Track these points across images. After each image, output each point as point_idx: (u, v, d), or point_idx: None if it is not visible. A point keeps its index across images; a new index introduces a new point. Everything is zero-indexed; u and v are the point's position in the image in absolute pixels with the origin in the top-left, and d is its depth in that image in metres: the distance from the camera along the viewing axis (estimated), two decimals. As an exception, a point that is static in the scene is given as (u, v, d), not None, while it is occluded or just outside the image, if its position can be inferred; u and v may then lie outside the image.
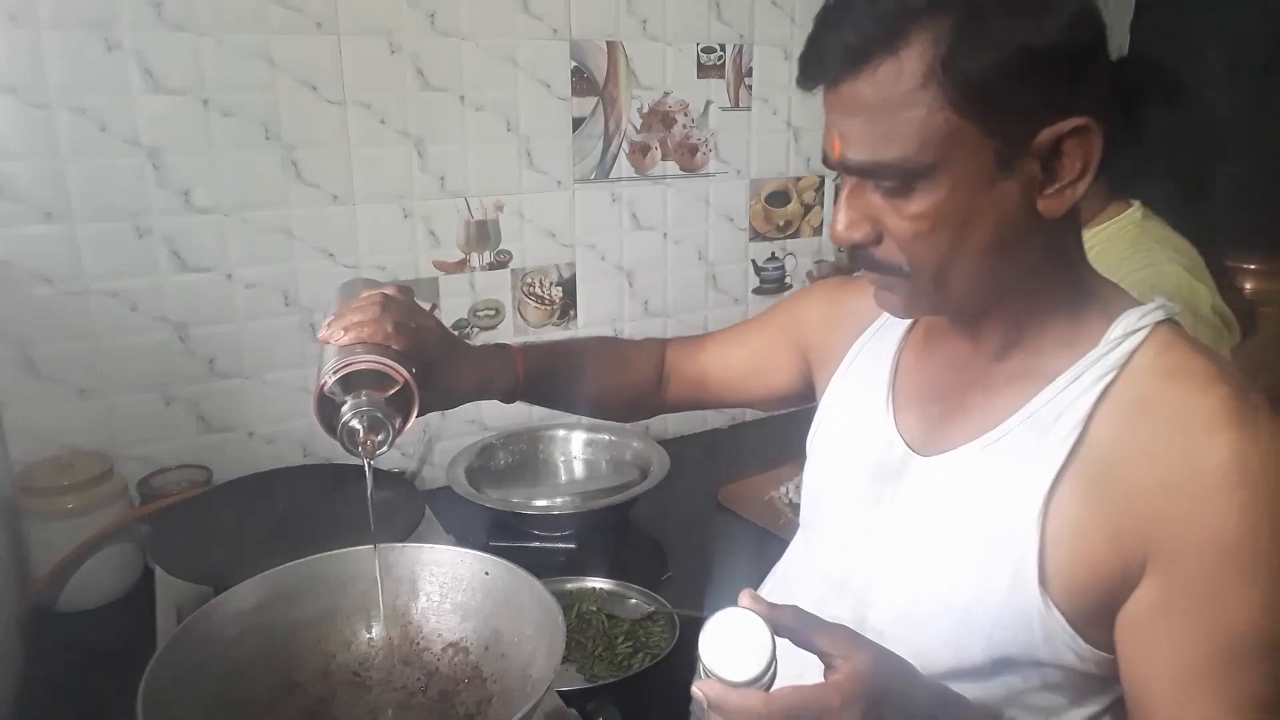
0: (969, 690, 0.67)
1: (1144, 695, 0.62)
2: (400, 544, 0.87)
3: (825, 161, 0.65)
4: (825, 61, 0.60)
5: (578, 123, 1.60)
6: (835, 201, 0.66)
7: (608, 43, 1.60)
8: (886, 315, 0.78)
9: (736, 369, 1.03)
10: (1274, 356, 1.82)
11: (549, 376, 0.94)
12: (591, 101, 1.61)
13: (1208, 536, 0.58)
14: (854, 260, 0.68)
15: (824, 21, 0.60)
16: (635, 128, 1.67)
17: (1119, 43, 2.27)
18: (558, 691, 0.96)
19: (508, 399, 0.92)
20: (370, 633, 0.83)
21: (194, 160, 1.31)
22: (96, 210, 1.27)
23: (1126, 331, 0.64)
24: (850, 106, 0.60)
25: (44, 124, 1.21)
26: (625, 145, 1.67)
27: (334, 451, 1.48)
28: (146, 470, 1.32)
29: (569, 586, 1.23)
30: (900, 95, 0.57)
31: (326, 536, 0.88)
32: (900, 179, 0.60)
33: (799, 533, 0.90)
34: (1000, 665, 0.66)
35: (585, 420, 1.71)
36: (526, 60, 1.53)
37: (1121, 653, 0.63)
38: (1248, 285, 1.78)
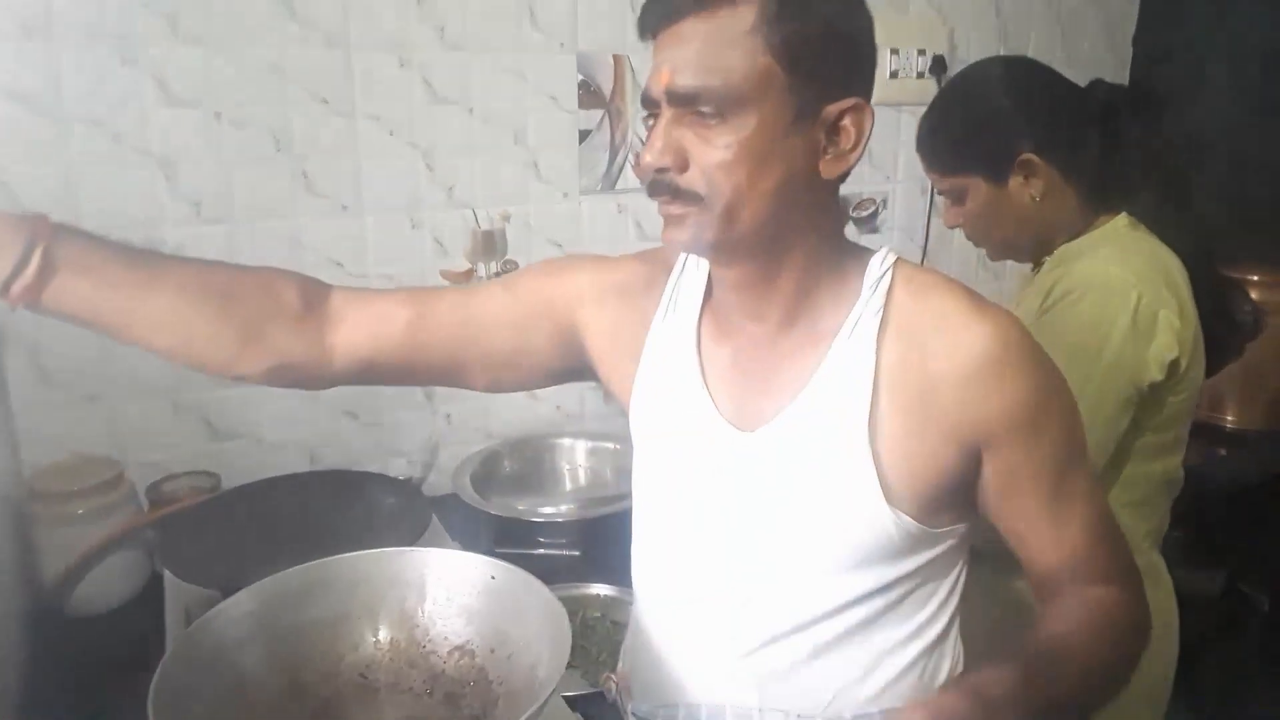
0: (857, 619, 0.77)
1: (1027, 535, 0.78)
2: (407, 548, 0.88)
3: (645, 99, 0.73)
4: (676, 4, 0.69)
5: (584, 134, 1.62)
6: (648, 136, 0.72)
7: (614, 56, 1.62)
8: (669, 299, 0.84)
9: (490, 341, 0.88)
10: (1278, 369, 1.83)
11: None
12: (598, 114, 1.63)
13: (1007, 406, 0.73)
14: (653, 191, 0.73)
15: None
16: (641, 140, 1.68)
17: (1122, 56, 2.30)
18: (563, 696, 0.96)
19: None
20: (377, 635, 0.84)
21: (206, 172, 1.33)
22: (109, 220, 1.28)
23: (877, 276, 0.76)
24: (689, 41, 0.69)
25: (59, 136, 1.24)
26: (631, 157, 1.68)
27: (340, 460, 1.50)
28: (155, 476, 1.33)
29: (573, 593, 1.24)
30: (731, 36, 0.68)
31: (333, 542, 0.89)
32: (718, 105, 0.68)
33: (638, 519, 0.89)
34: (881, 587, 0.77)
35: (590, 429, 1.73)
36: (534, 73, 1.55)
37: (996, 516, 0.79)
38: (1253, 296, 1.79)
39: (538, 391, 1.68)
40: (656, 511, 0.87)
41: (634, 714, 0.86)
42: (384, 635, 0.84)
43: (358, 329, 0.86)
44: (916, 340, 0.74)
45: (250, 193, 1.37)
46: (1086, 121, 1.16)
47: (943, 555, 0.79)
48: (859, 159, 0.73)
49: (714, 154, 0.69)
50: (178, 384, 1.38)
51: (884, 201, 2.00)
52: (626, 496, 1.45)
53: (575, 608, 1.19)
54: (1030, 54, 1.99)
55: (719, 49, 0.68)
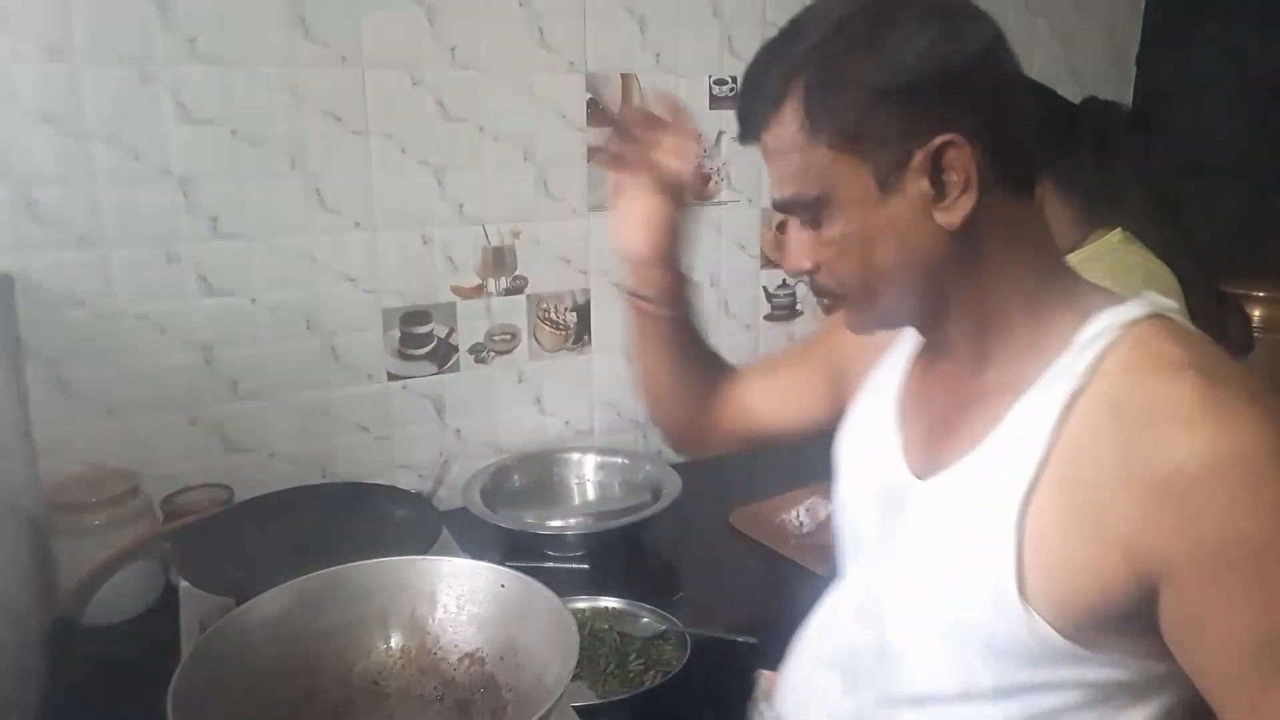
0: (986, 715, 0.67)
1: (1221, 708, 0.61)
2: (419, 557, 0.89)
3: None
4: (743, 126, 0.72)
5: (593, 152, 1.64)
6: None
7: (622, 75, 1.64)
8: (901, 335, 0.83)
9: (774, 392, 1.00)
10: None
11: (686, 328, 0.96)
12: (606, 132, 1.64)
13: (1200, 545, 0.57)
14: (814, 293, 0.77)
15: (738, 95, 0.73)
16: (649, 157, 1.70)
17: (1125, 74, 2.31)
18: (572, 706, 0.97)
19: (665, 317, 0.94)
20: (389, 643, 0.85)
21: (222, 188, 1.36)
22: (128, 236, 1.31)
23: (1096, 333, 0.64)
24: (767, 157, 0.70)
25: (80, 153, 1.26)
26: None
27: (352, 473, 1.52)
28: (170, 489, 1.35)
29: (582, 605, 1.25)
30: (786, 143, 0.67)
31: (345, 552, 0.90)
32: (805, 211, 0.69)
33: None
34: (1015, 689, 0.66)
35: (598, 444, 1.74)
36: (543, 92, 1.57)
37: (1186, 669, 0.62)
38: (1256, 313, 1.79)
39: (546, 406, 1.70)
40: (840, 539, 0.85)
41: (762, 712, 0.88)
42: (396, 642, 0.85)
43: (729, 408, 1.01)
44: (1114, 422, 0.60)
45: (265, 209, 1.39)
46: (1081, 138, 1.18)
47: (1116, 687, 0.65)
48: (976, 195, 0.64)
49: (824, 253, 0.69)
50: (193, 399, 1.40)
51: (890, 218, 2.02)
52: (634, 510, 1.48)
53: (583, 620, 1.20)
54: (1033, 72, 2.01)
55: (782, 160, 0.68)
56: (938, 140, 0.63)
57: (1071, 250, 1.18)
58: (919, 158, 0.63)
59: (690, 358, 0.97)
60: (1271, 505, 0.56)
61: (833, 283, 0.71)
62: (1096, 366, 0.63)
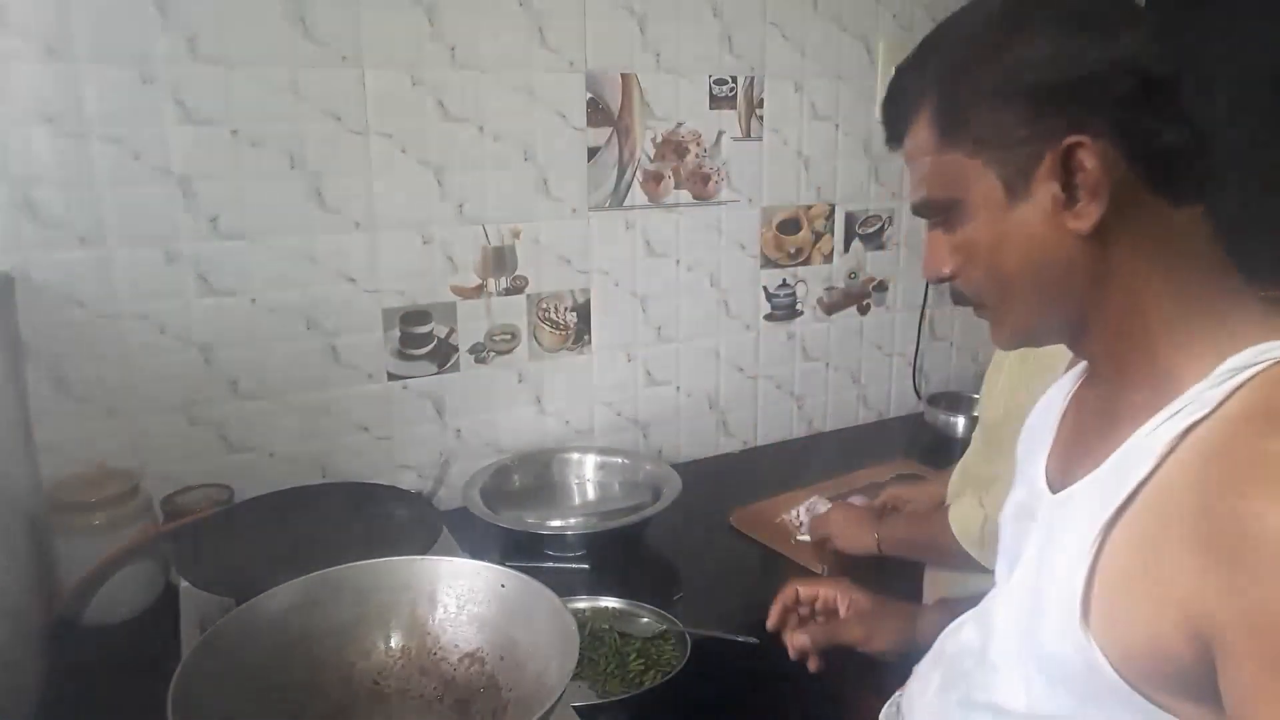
0: (1027, 685, 0.67)
1: None
2: (419, 557, 0.89)
3: None
4: (888, 132, 0.74)
5: (593, 152, 1.64)
6: None
7: (622, 75, 1.64)
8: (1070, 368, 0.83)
9: None
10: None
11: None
12: (606, 131, 1.65)
13: (1256, 610, 0.51)
14: (955, 301, 0.82)
15: (883, 102, 0.74)
16: (649, 157, 1.71)
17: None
18: (572, 706, 0.97)
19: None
20: (389, 642, 0.86)
21: (222, 188, 1.36)
22: (128, 236, 1.31)
23: (1238, 366, 0.58)
24: (907, 162, 0.73)
25: (80, 153, 1.26)
26: (639, 174, 1.70)
27: (352, 473, 1.52)
28: (170, 489, 1.35)
29: (582, 605, 1.25)
30: (920, 149, 0.69)
31: (345, 552, 0.91)
32: (938, 214, 0.70)
33: None
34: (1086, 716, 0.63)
35: (598, 443, 1.75)
36: (543, 92, 1.58)
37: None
38: (1256, 312, 1.80)
39: (546, 406, 1.70)
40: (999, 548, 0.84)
41: (898, 705, 0.88)
42: (396, 642, 0.86)
43: None
44: (1204, 470, 0.56)
45: (265, 209, 1.39)
46: None
47: None
48: (1106, 198, 0.61)
49: (957, 257, 0.70)
50: (194, 399, 1.40)
51: (890, 218, 2.02)
52: (634, 510, 1.48)
53: (584, 620, 1.20)
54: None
55: (917, 164, 0.70)
56: (1066, 142, 0.61)
57: None
58: (1048, 161, 0.62)
59: None
60: None
61: (970, 289, 0.71)
62: (1223, 403, 0.58)
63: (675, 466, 1.61)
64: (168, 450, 1.38)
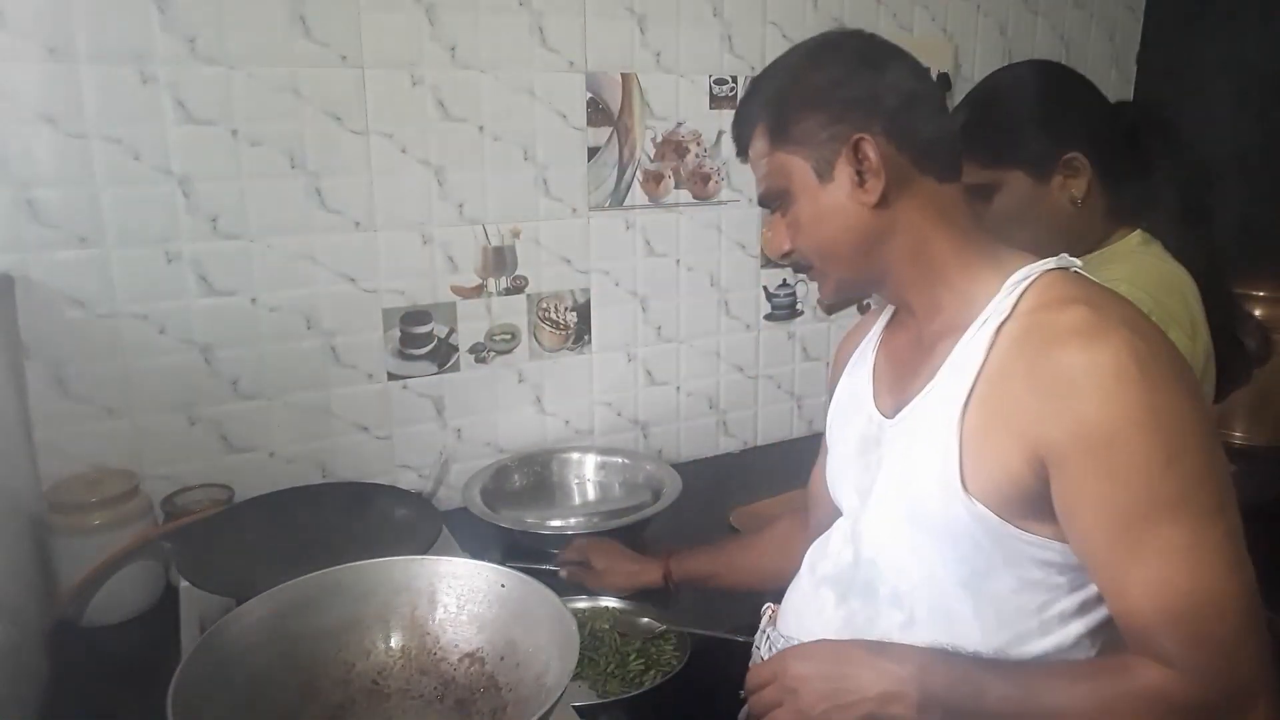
0: (964, 602, 0.81)
1: (1095, 574, 0.76)
2: (419, 557, 0.89)
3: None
4: (737, 146, 0.95)
5: (593, 152, 1.64)
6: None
7: (623, 75, 1.64)
8: (871, 330, 1.02)
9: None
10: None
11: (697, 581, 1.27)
12: (606, 131, 1.65)
13: (1078, 430, 0.72)
14: (794, 270, 0.96)
15: (731, 125, 0.95)
16: (649, 157, 1.71)
17: (1126, 74, 2.31)
18: (572, 706, 0.97)
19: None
20: (389, 642, 0.85)
21: (222, 188, 1.36)
22: (128, 236, 1.31)
23: (1017, 280, 0.80)
24: (751, 166, 0.93)
25: (80, 153, 1.26)
26: (639, 174, 1.70)
27: (352, 473, 1.52)
28: (170, 489, 1.35)
29: (582, 605, 1.25)
30: (759, 153, 0.90)
31: (345, 552, 0.91)
32: (776, 201, 0.90)
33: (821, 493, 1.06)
34: (971, 576, 0.80)
35: (598, 443, 1.75)
36: (544, 91, 1.58)
37: (1067, 537, 0.76)
38: (1257, 312, 1.80)
39: (546, 406, 1.70)
40: (827, 484, 1.01)
41: (768, 635, 0.99)
42: (396, 642, 0.86)
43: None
44: (1022, 345, 0.77)
45: (265, 209, 1.39)
46: (1119, 136, 1.17)
47: (1055, 570, 0.78)
48: (883, 177, 0.82)
49: (792, 233, 0.89)
50: (193, 399, 1.40)
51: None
52: (635, 510, 1.48)
53: (584, 620, 1.20)
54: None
55: (759, 164, 0.91)
56: (854, 138, 0.83)
57: (1094, 246, 1.17)
58: (844, 153, 0.84)
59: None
60: (1133, 400, 0.70)
61: (803, 258, 0.90)
62: (1016, 306, 0.79)
63: (675, 466, 1.61)
64: (168, 450, 1.38)
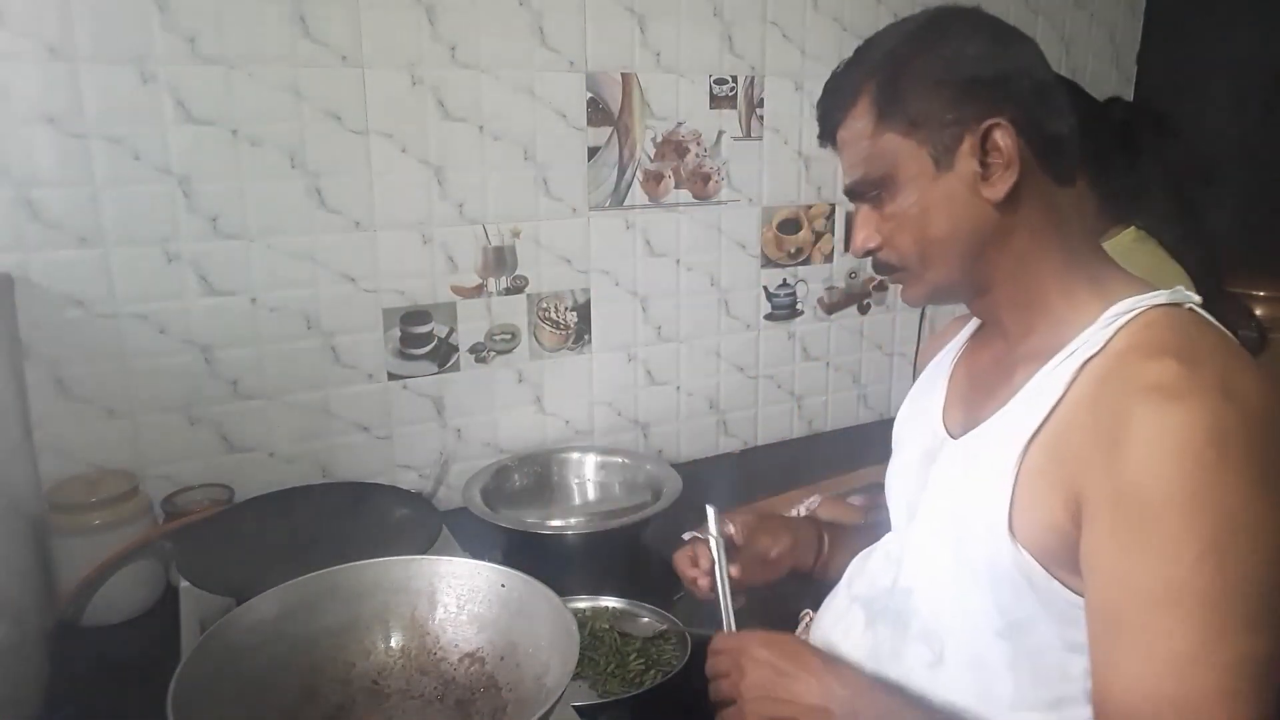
0: (1000, 652, 0.75)
1: (1089, 634, 0.69)
2: (419, 556, 0.89)
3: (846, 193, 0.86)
4: (823, 126, 0.85)
5: (593, 152, 1.64)
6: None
7: (623, 74, 1.64)
8: (956, 336, 0.95)
9: None
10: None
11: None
12: (606, 131, 1.65)
13: (1118, 487, 0.64)
14: (876, 270, 0.86)
15: (819, 100, 0.85)
16: (649, 157, 1.71)
17: (1126, 73, 2.31)
18: (573, 706, 0.97)
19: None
20: (389, 642, 0.85)
21: (223, 188, 1.36)
22: (128, 235, 1.31)
23: (1118, 313, 0.73)
24: (842, 148, 0.83)
25: (80, 153, 1.26)
26: (639, 174, 1.70)
27: (352, 472, 1.52)
28: (170, 489, 1.35)
29: (582, 605, 1.25)
30: (858, 134, 0.79)
31: (345, 552, 0.91)
32: (871, 189, 0.80)
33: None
34: (1009, 626, 0.74)
35: (598, 443, 1.74)
36: (544, 91, 1.57)
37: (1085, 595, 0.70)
38: (1257, 313, 1.80)
39: (547, 406, 1.70)
40: (889, 506, 0.94)
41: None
42: (396, 642, 0.86)
43: None
44: (1099, 391, 0.69)
45: (265, 209, 1.39)
46: (1106, 136, 1.18)
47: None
48: (1016, 172, 0.74)
49: (886, 228, 0.80)
50: (193, 399, 1.40)
51: (890, 217, 2.02)
52: (634, 510, 1.48)
53: (584, 620, 1.20)
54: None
55: (853, 148, 0.80)
56: (986, 124, 0.74)
57: None
58: (969, 140, 0.74)
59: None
60: (1186, 474, 0.62)
61: (893, 256, 0.81)
62: (1109, 342, 0.71)
63: (675, 466, 1.60)
64: (168, 450, 1.38)
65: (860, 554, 0.94)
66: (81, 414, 1.32)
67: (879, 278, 2.03)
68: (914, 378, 1.01)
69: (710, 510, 1.02)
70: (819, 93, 0.85)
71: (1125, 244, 1.17)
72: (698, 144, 1.75)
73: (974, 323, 0.93)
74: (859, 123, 0.79)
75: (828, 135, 0.84)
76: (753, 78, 1.77)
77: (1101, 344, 0.71)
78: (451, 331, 1.59)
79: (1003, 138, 0.73)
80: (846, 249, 1.97)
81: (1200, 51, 2.20)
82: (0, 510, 1.07)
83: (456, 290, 1.58)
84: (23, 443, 1.25)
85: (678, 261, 1.78)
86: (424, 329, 1.56)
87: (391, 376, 1.55)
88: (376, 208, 1.47)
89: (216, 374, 1.41)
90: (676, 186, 1.75)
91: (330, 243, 1.45)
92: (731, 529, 1.07)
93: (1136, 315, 0.72)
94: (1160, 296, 0.73)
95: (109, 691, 1.08)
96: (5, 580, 1.03)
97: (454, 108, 1.50)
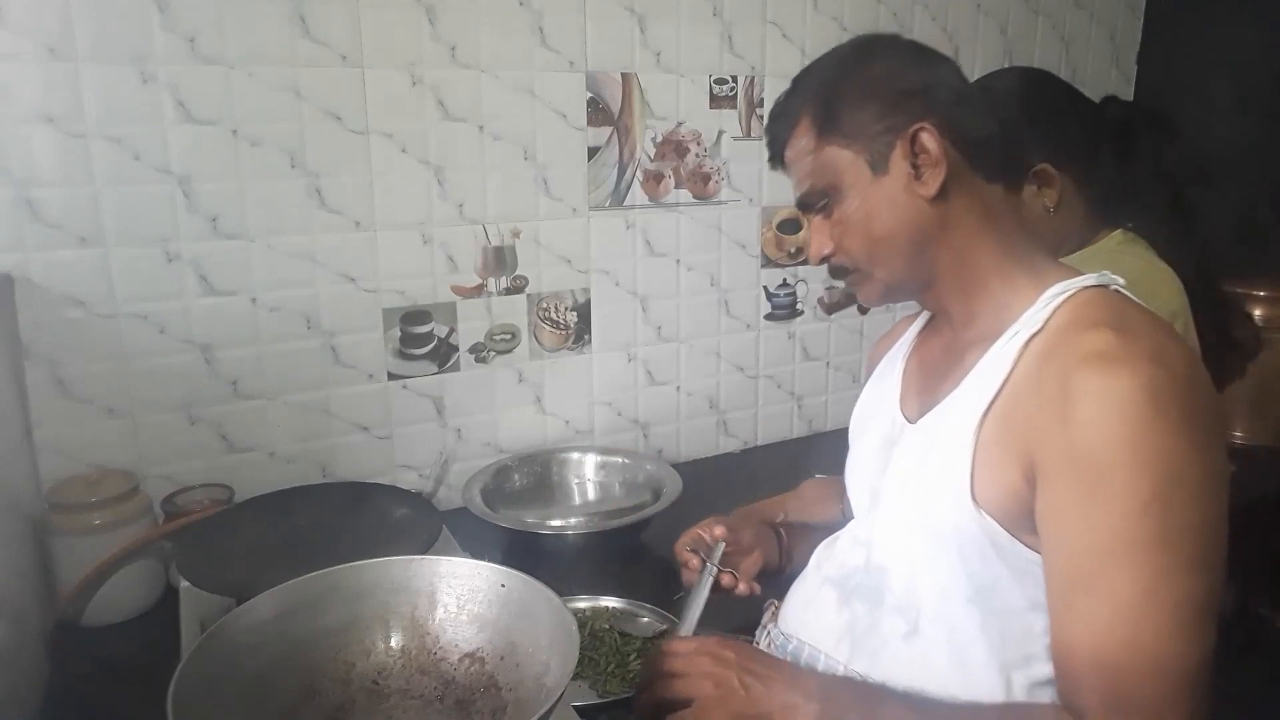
0: (971, 617, 0.79)
1: (1047, 590, 0.74)
2: (419, 556, 0.89)
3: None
4: (771, 150, 0.92)
5: (593, 152, 1.64)
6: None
7: (623, 74, 1.64)
8: (906, 333, 1.02)
9: None
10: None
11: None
12: (606, 131, 1.65)
13: (1067, 449, 0.70)
14: (833, 276, 0.92)
15: (766, 128, 0.93)
16: (649, 157, 1.71)
17: (1126, 73, 2.31)
18: (573, 706, 0.97)
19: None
20: (389, 642, 0.85)
21: (222, 188, 1.36)
22: (128, 235, 1.31)
23: (1054, 294, 0.79)
24: (790, 167, 0.90)
25: (80, 153, 1.26)
26: (639, 174, 1.70)
27: (352, 472, 1.52)
28: (170, 489, 1.35)
29: (582, 605, 1.25)
30: (802, 151, 0.87)
31: (345, 552, 0.91)
32: (820, 199, 0.87)
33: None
34: (979, 592, 0.79)
35: (598, 443, 1.75)
36: (544, 91, 1.57)
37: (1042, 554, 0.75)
38: (1256, 313, 1.80)
39: (547, 406, 1.70)
40: (845, 474, 1.00)
41: (769, 632, 0.99)
42: (396, 642, 0.86)
43: None
44: (1043, 364, 0.75)
45: (265, 208, 1.39)
46: (1100, 136, 1.17)
47: None
48: (944, 169, 0.81)
49: (836, 233, 0.87)
50: (193, 399, 1.40)
51: (891, 217, 2.02)
52: (634, 510, 1.48)
53: (584, 620, 1.20)
54: (1035, 71, 2.01)
55: (799, 165, 0.88)
56: (912, 128, 0.81)
57: (1077, 247, 1.17)
58: (900, 145, 0.82)
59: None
60: (1130, 432, 0.68)
61: (846, 259, 0.88)
62: (1048, 321, 0.78)
63: (675, 466, 1.60)
64: (168, 450, 1.38)
65: (823, 543, 0.98)
66: (81, 414, 1.32)
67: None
68: (865, 377, 1.07)
69: (720, 547, 1.05)
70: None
71: (1111, 247, 1.17)
72: (698, 144, 1.75)
73: (921, 319, 1.00)
74: (802, 141, 0.87)
75: (776, 157, 0.92)
76: (753, 78, 1.77)
77: (1042, 323, 0.78)
78: (451, 331, 1.59)
79: (929, 140, 0.81)
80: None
81: (1200, 51, 2.20)
82: (0, 510, 1.07)
83: (456, 290, 1.58)
84: (23, 443, 1.25)
85: (678, 261, 1.78)
86: (424, 329, 1.56)
87: (391, 376, 1.55)
88: (376, 208, 1.47)
89: (216, 374, 1.41)
90: (676, 186, 1.75)
91: (330, 243, 1.45)
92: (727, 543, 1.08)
93: (1071, 295, 0.79)
94: (1090, 279, 0.81)
95: (109, 691, 1.09)
96: (5, 580, 1.03)
97: (454, 108, 1.50)
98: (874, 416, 0.97)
